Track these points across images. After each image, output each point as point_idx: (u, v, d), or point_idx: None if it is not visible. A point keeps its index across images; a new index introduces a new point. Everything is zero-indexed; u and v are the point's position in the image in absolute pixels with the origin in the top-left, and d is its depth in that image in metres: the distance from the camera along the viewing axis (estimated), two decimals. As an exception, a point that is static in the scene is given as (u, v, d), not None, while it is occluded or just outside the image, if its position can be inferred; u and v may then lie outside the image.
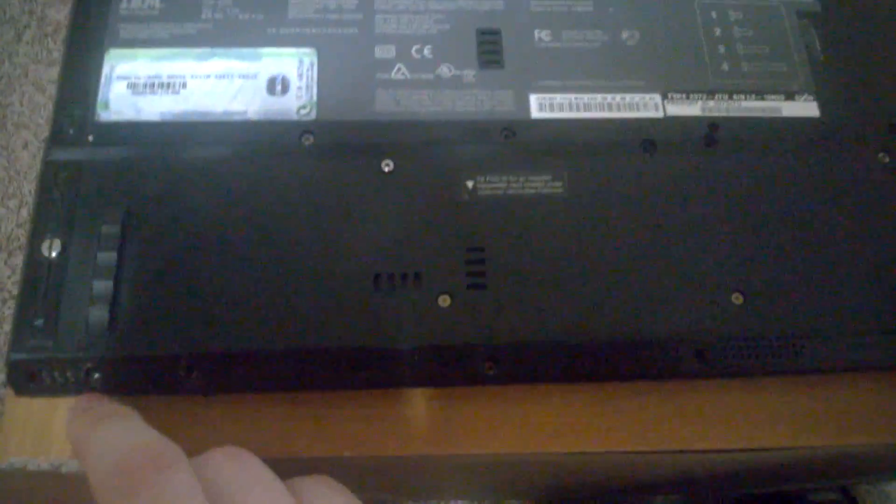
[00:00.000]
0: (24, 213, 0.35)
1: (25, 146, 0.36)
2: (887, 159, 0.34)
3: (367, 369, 0.29)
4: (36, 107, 0.37)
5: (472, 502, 0.83)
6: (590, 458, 0.32)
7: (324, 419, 0.31)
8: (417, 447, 0.31)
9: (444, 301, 0.29)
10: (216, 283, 0.29)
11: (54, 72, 0.37)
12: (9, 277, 0.34)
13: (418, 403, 0.31)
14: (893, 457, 0.37)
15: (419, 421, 0.31)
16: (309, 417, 0.31)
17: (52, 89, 0.36)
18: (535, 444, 0.31)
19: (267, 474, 0.20)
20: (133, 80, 0.33)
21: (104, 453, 0.19)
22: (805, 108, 0.34)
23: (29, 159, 0.36)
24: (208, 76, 0.33)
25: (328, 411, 0.31)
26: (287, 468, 0.31)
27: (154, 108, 0.32)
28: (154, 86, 0.33)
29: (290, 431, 0.30)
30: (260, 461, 0.20)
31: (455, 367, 0.29)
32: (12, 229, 0.35)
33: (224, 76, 0.33)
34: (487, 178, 0.31)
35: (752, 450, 0.32)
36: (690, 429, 0.32)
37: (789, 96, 0.34)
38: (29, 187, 0.35)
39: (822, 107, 0.34)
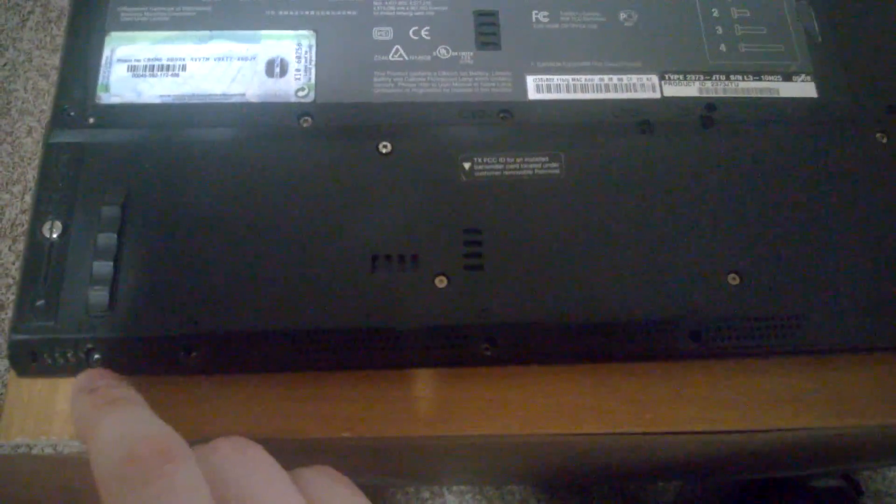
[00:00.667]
0: (29, 199, 0.35)
1: (30, 132, 0.37)
2: (885, 140, 0.34)
3: (365, 350, 0.29)
4: (40, 93, 0.37)
5: (474, 487, 0.84)
6: (587, 439, 0.32)
7: (323, 400, 0.31)
8: (416, 428, 0.31)
9: (441, 282, 0.30)
10: (215, 264, 0.29)
11: (58, 58, 0.37)
12: (13, 263, 0.34)
13: (417, 385, 0.31)
14: (894, 440, 0.38)
15: (418, 402, 0.31)
16: (308, 398, 0.31)
17: (55, 75, 0.36)
18: (533, 426, 0.32)
19: (273, 466, 0.20)
20: (133, 63, 0.33)
21: (111, 442, 0.19)
22: (803, 88, 0.34)
23: (33, 146, 0.36)
24: (207, 59, 0.33)
25: (327, 392, 0.31)
26: (287, 449, 0.31)
27: (154, 90, 0.32)
28: (154, 68, 0.33)
29: (289, 412, 0.31)
30: (266, 453, 0.21)
31: (452, 347, 0.30)
32: (17, 215, 0.35)
33: (223, 59, 0.33)
34: (484, 160, 0.32)
35: (749, 431, 0.33)
36: (688, 410, 0.32)
37: (787, 77, 0.34)
38: (33, 173, 0.35)
39: (819, 87, 0.34)
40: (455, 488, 0.84)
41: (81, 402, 0.22)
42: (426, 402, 0.31)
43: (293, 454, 0.33)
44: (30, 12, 0.41)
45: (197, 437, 0.29)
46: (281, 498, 0.19)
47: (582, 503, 0.86)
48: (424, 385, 0.31)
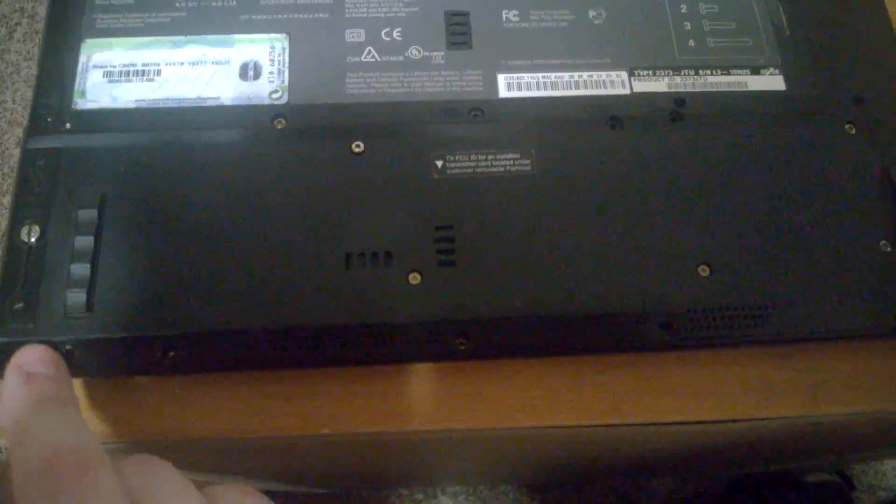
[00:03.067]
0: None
1: (19, 143, 0.37)
2: (853, 131, 0.34)
3: (341, 347, 0.30)
4: (28, 104, 0.38)
5: (468, 488, 0.84)
6: (564, 432, 0.33)
7: (301, 398, 0.31)
8: (394, 424, 0.32)
9: (415, 279, 0.30)
10: (191, 264, 0.30)
11: (39, 66, 0.37)
12: None
13: (393, 381, 0.32)
14: (878, 432, 0.38)
15: (395, 398, 0.32)
16: (287, 396, 0.31)
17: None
18: (510, 419, 0.32)
19: (182, 481, 0.20)
20: (109, 69, 0.33)
21: (35, 446, 0.18)
22: (771, 82, 0.35)
23: (21, 156, 0.37)
24: (182, 63, 0.33)
25: (305, 390, 0.31)
26: (267, 447, 0.32)
27: (129, 95, 0.33)
28: (129, 74, 0.33)
29: (268, 410, 0.31)
30: (174, 468, 0.21)
31: (427, 343, 0.30)
32: (6, 225, 0.36)
33: (197, 63, 0.33)
34: (456, 158, 0.32)
35: (724, 421, 0.33)
36: (664, 401, 0.33)
37: (755, 71, 0.35)
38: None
39: (788, 80, 0.35)
40: (449, 489, 0.85)
41: (15, 390, 0.21)
42: (403, 398, 0.32)
43: (273, 453, 0.34)
44: (17, 24, 0.41)
45: (178, 437, 0.30)
46: None
47: (576, 502, 0.86)
48: (401, 381, 0.32)
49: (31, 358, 0.22)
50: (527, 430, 0.32)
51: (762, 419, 0.33)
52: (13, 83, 0.38)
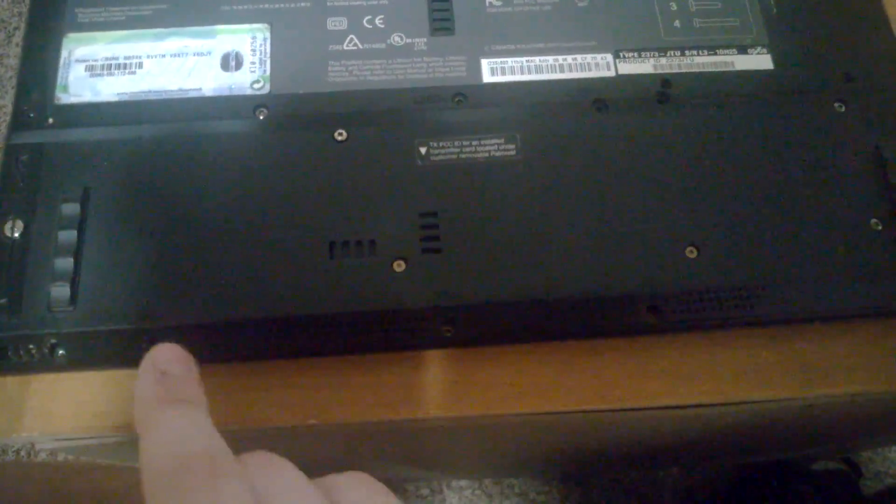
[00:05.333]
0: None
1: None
2: (843, 108, 0.34)
3: (326, 337, 0.29)
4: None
5: (473, 482, 0.84)
6: (555, 418, 0.32)
7: (288, 388, 0.31)
8: (382, 413, 0.31)
9: (399, 266, 0.30)
10: (174, 257, 0.30)
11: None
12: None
13: (380, 369, 0.32)
14: (878, 415, 0.37)
15: (382, 387, 0.31)
16: (273, 387, 0.31)
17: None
18: (500, 407, 0.32)
19: (301, 479, 0.20)
20: (91, 63, 0.33)
21: (166, 445, 0.19)
22: (758, 61, 0.34)
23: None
24: (164, 55, 0.33)
25: (292, 380, 0.31)
26: (253, 438, 0.32)
27: (111, 88, 0.33)
28: (111, 67, 0.33)
29: (254, 401, 0.31)
30: (293, 466, 0.20)
31: (413, 331, 0.30)
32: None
33: (179, 54, 0.33)
34: (440, 144, 0.32)
35: (715, 405, 0.32)
36: (654, 385, 0.32)
37: (742, 50, 0.34)
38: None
39: (775, 59, 0.34)
40: (455, 484, 0.84)
41: (148, 388, 0.21)
42: (391, 387, 0.31)
43: (268, 444, 0.34)
44: (16, 28, 0.41)
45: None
46: None
47: (582, 495, 0.86)
48: (388, 369, 0.32)
49: (165, 356, 0.22)
50: (517, 417, 0.32)
51: (755, 402, 0.33)
52: (13, 87, 0.38)
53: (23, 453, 0.77)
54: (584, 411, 0.32)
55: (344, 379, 0.31)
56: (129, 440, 0.31)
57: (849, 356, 0.33)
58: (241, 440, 0.30)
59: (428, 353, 0.32)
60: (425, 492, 0.85)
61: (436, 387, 0.32)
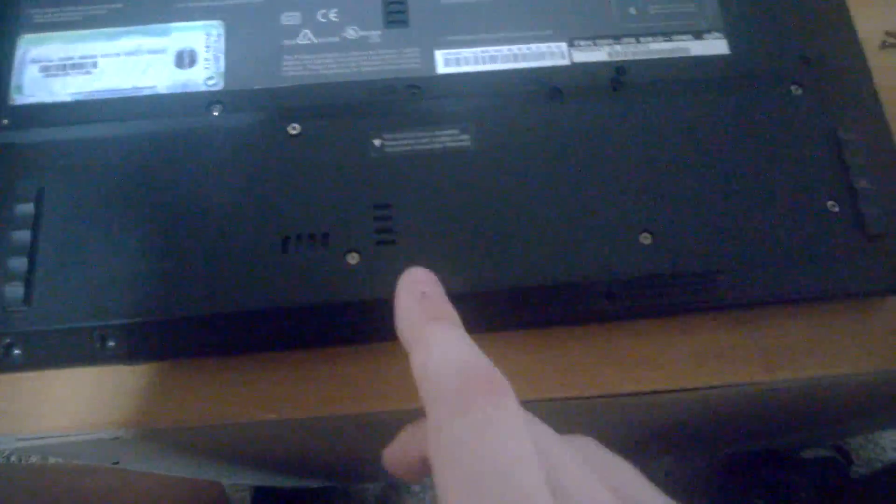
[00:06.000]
0: None
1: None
2: (800, 91, 0.33)
3: (281, 331, 0.30)
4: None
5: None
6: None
7: (246, 383, 0.31)
8: (344, 407, 0.31)
9: (353, 258, 0.30)
10: (128, 254, 0.30)
11: None
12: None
13: (340, 363, 0.32)
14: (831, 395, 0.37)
15: (342, 380, 0.31)
16: (231, 382, 0.31)
17: None
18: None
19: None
20: (45, 63, 0.33)
21: (443, 360, 0.19)
22: (714, 46, 0.34)
23: None
24: (118, 54, 0.33)
25: (250, 375, 0.31)
26: (212, 434, 0.32)
27: (67, 89, 0.33)
28: (66, 67, 0.33)
29: (212, 397, 0.31)
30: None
31: (367, 323, 0.30)
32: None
33: (133, 53, 0.33)
34: (394, 136, 0.32)
35: (676, 391, 0.32)
36: (617, 372, 0.32)
37: (698, 35, 0.34)
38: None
39: (731, 44, 0.34)
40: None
41: (410, 305, 0.22)
42: (350, 380, 0.31)
43: (219, 439, 0.34)
44: None
45: (121, 427, 0.30)
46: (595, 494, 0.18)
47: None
48: (347, 363, 0.32)
49: (422, 278, 0.23)
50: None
51: (716, 387, 0.33)
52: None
53: (13, 458, 0.77)
54: (544, 399, 0.32)
55: (303, 373, 0.31)
56: (94, 438, 0.31)
57: (809, 339, 0.33)
58: (197, 436, 0.31)
59: (385, 345, 0.32)
60: (416, 488, 0.86)
61: (397, 379, 0.32)
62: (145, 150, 0.31)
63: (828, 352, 0.33)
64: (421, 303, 0.22)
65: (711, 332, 0.33)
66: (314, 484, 0.76)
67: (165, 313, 0.29)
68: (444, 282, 0.30)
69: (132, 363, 0.30)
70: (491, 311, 0.30)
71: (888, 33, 0.40)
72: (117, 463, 0.39)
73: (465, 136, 0.32)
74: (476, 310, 0.30)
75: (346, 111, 0.32)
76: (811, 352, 0.33)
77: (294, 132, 0.32)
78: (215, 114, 0.32)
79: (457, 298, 0.29)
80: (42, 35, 0.34)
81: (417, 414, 0.32)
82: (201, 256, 0.30)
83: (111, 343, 0.29)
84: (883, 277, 0.31)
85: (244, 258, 0.29)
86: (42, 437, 0.31)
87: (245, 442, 0.36)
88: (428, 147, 0.32)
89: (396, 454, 0.21)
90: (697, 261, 0.30)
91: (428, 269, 0.23)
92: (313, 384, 0.31)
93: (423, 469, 0.20)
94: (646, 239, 0.30)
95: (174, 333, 0.29)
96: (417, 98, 0.33)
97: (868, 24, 0.39)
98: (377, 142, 0.31)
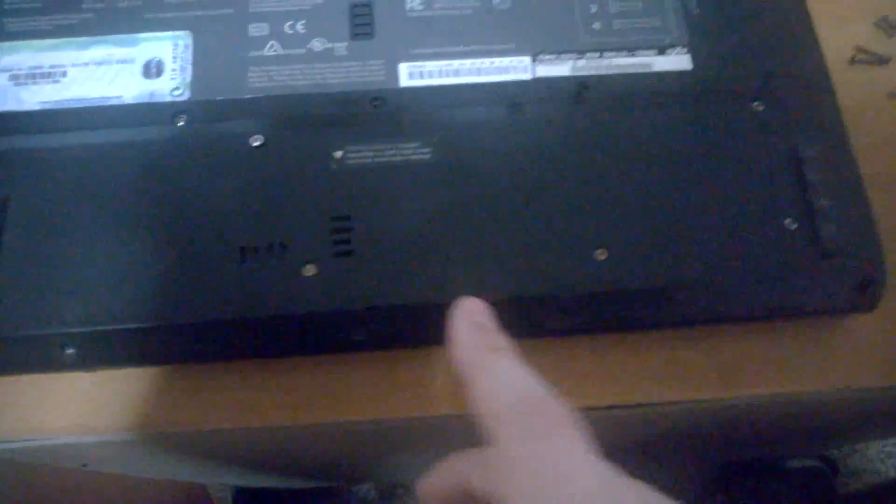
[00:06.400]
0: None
1: None
2: (762, 107, 0.34)
3: (237, 341, 0.30)
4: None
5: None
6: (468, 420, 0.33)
7: (204, 392, 0.31)
8: (302, 416, 0.32)
9: (310, 270, 0.30)
10: (90, 263, 0.30)
11: None
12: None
13: (298, 373, 0.32)
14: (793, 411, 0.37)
15: (301, 390, 0.32)
16: (189, 390, 0.31)
17: None
18: (421, 409, 0.32)
19: None
20: (15, 72, 0.34)
21: (510, 388, 0.20)
22: (677, 61, 0.34)
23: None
24: (87, 64, 0.34)
25: (208, 384, 0.32)
26: (170, 442, 0.32)
27: (36, 97, 0.33)
28: (36, 76, 0.34)
29: (171, 405, 0.31)
30: None
31: (324, 334, 0.30)
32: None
33: (102, 63, 0.34)
34: (356, 148, 0.32)
35: (633, 406, 0.33)
36: (573, 387, 0.32)
37: (661, 51, 0.34)
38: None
39: (695, 59, 0.34)
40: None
41: (468, 334, 0.23)
42: (310, 390, 0.32)
43: (176, 448, 0.34)
44: None
45: (83, 433, 0.30)
46: None
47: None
48: (306, 373, 0.32)
49: (477, 308, 0.24)
50: (443, 418, 0.32)
51: (673, 403, 0.33)
52: None
53: None
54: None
55: (261, 383, 0.32)
56: (56, 443, 0.31)
57: (767, 356, 0.33)
58: (146, 443, 0.31)
59: (347, 355, 0.32)
60: (400, 491, 0.86)
61: (358, 389, 0.32)
62: (110, 160, 0.32)
63: (785, 369, 0.33)
64: (479, 333, 0.22)
65: (668, 349, 0.33)
66: (294, 485, 0.76)
67: (123, 322, 0.29)
68: (400, 294, 0.30)
69: (90, 370, 0.30)
70: (444, 324, 0.30)
71: (858, 48, 0.40)
72: (86, 466, 0.40)
73: (427, 150, 0.32)
74: (431, 323, 0.30)
75: (308, 123, 0.32)
76: (768, 369, 0.33)
77: (257, 143, 0.32)
78: (180, 124, 0.32)
79: (412, 310, 0.30)
80: (13, 44, 0.34)
81: (378, 424, 0.32)
82: (161, 266, 0.30)
83: (70, 350, 0.29)
84: (839, 296, 0.32)
85: (202, 269, 0.30)
86: (11, 442, 0.31)
87: (199, 449, 0.36)
88: (389, 159, 0.32)
89: (435, 485, 0.22)
90: (653, 277, 0.31)
91: (480, 300, 0.24)
92: (269, 394, 0.32)
93: (464, 502, 0.20)
94: (601, 255, 0.31)
95: (133, 342, 0.30)
96: (380, 110, 0.33)
97: (839, 39, 0.40)
98: (339, 154, 0.32)
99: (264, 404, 0.31)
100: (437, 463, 0.22)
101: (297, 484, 0.72)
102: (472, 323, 0.23)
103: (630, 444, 0.52)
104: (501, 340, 0.23)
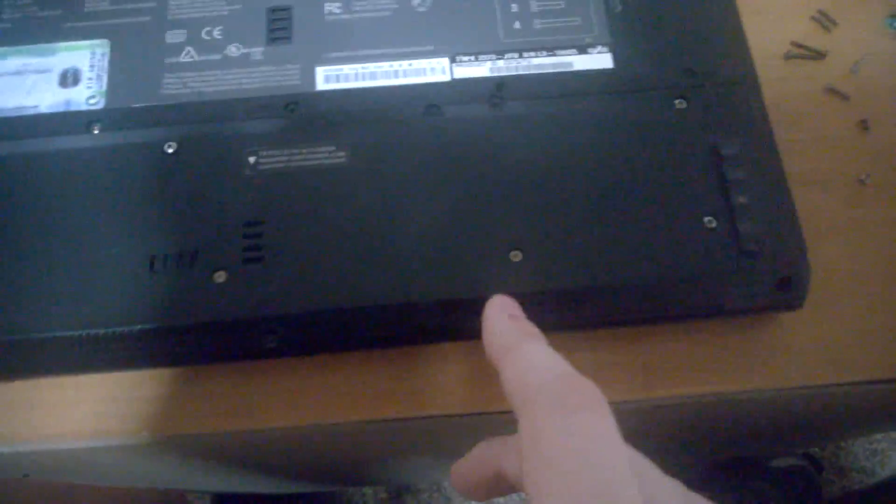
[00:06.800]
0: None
1: None
2: (684, 105, 0.33)
3: (148, 350, 0.30)
4: None
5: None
6: (391, 425, 0.32)
7: (117, 400, 0.31)
8: (216, 424, 0.31)
9: (220, 277, 0.30)
10: (4, 271, 0.30)
11: None
12: None
13: (212, 381, 0.32)
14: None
15: (215, 398, 0.32)
16: (103, 399, 0.31)
17: None
18: (334, 414, 0.32)
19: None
20: (-66, 84, 0.34)
21: (542, 366, 0.21)
22: (598, 60, 0.34)
23: None
24: (4, 74, 0.34)
25: (122, 392, 0.31)
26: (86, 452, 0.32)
27: (-49, 109, 0.33)
28: (-46, 88, 0.34)
29: (86, 416, 0.31)
30: None
31: (235, 341, 0.30)
32: None
33: (18, 73, 0.34)
34: (270, 153, 0.32)
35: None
36: (487, 391, 0.32)
37: (582, 50, 0.34)
38: None
39: (616, 58, 0.34)
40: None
41: (503, 321, 0.24)
42: (223, 398, 0.32)
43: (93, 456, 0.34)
44: None
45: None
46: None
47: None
48: (220, 381, 0.32)
49: (509, 303, 0.25)
50: (351, 424, 0.32)
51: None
52: None
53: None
54: (420, 417, 0.32)
55: (175, 391, 0.32)
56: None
57: (691, 356, 0.33)
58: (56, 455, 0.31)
59: (259, 362, 0.32)
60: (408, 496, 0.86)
61: (271, 396, 0.32)
62: (23, 170, 0.32)
63: (709, 369, 0.33)
64: (511, 322, 0.24)
65: (589, 350, 0.33)
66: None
67: (36, 331, 0.29)
68: (311, 299, 0.30)
69: (10, 379, 0.30)
70: (359, 329, 0.30)
71: (793, 44, 0.39)
72: (27, 476, 0.40)
73: (341, 153, 0.32)
74: (343, 328, 0.30)
75: (222, 128, 0.32)
76: (692, 369, 0.33)
77: (171, 150, 0.32)
78: (95, 132, 0.32)
79: (324, 315, 0.30)
80: (-67, 55, 0.34)
81: (291, 431, 0.32)
82: (74, 276, 0.30)
83: (-19, 361, 0.29)
84: (761, 294, 0.31)
85: (111, 278, 0.30)
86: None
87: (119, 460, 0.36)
88: (302, 164, 0.32)
89: (468, 470, 0.22)
90: (569, 278, 0.30)
91: (511, 299, 0.25)
92: (184, 402, 0.31)
93: (497, 486, 0.21)
94: (516, 256, 0.30)
95: (42, 351, 0.30)
96: (295, 115, 0.33)
97: (775, 34, 0.39)
98: (252, 159, 0.32)
99: (181, 412, 0.31)
100: (471, 449, 0.22)
101: (291, 489, 0.72)
102: (503, 315, 0.24)
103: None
104: (534, 329, 0.24)
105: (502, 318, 0.24)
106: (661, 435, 0.47)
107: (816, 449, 0.87)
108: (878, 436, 0.90)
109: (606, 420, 0.19)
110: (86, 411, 0.31)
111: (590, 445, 0.18)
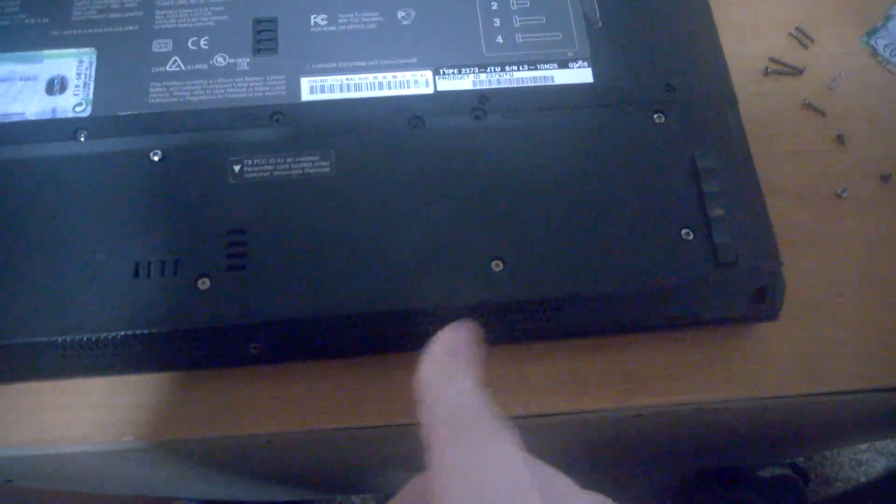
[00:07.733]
0: None
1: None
2: (662, 119, 0.34)
3: (131, 356, 0.30)
4: None
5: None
6: (373, 432, 0.33)
7: (96, 406, 0.31)
8: (198, 430, 0.32)
9: (203, 284, 0.30)
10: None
11: None
12: None
13: (194, 387, 0.32)
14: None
15: (196, 404, 0.32)
16: (83, 406, 0.31)
17: None
18: (316, 421, 0.32)
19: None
20: (-79, 90, 0.34)
21: (446, 400, 0.20)
22: (579, 74, 0.34)
23: None
24: (-10, 82, 0.34)
25: (102, 399, 0.32)
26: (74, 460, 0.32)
27: (-61, 116, 0.33)
28: (-60, 94, 0.34)
29: (69, 421, 0.31)
30: None
31: (218, 348, 0.30)
32: None
33: (6, 80, 0.34)
34: (254, 162, 0.32)
35: (531, 416, 0.33)
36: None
37: (563, 64, 0.34)
38: None
39: (596, 73, 0.35)
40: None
41: (434, 362, 0.22)
42: (205, 404, 0.32)
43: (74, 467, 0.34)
44: None
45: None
46: None
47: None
48: (202, 387, 0.32)
49: (453, 339, 0.23)
50: (333, 431, 0.32)
51: (572, 413, 0.33)
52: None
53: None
54: (402, 425, 0.32)
55: (157, 396, 0.32)
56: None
57: (669, 366, 0.33)
58: (39, 460, 0.31)
59: (241, 369, 0.32)
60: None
61: (252, 402, 0.32)
62: (9, 177, 0.32)
63: (687, 379, 0.33)
64: (446, 359, 0.22)
65: (569, 359, 0.33)
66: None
67: (20, 337, 0.30)
68: (295, 307, 0.30)
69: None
70: (341, 336, 0.31)
71: (771, 60, 0.40)
72: (10, 482, 0.40)
73: (325, 163, 0.32)
74: (326, 335, 0.30)
75: (207, 137, 0.33)
76: (671, 378, 0.33)
77: (156, 158, 0.32)
78: (81, 139, 0.33)
79: (306, 323, 0.30)
80: (-79, 62, 0.34)
81: (275, 437, 0.32)
82: (58, 281, 0.30)
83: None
84: (736, 305, 0.32)
85: (95, 285, 0.30)
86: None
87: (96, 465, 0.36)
88: (287, 173, 0.32)
89: None
90: (550, 288, 0.31)
91: (471, 333, 0.23)
92: (166, 408, 0.32)
93: None
94: (497, 266, 0.31)
95: (23, 357, 0.30)
96: (280, 124, 0.33)
97: (753, 50, 0.40)
98: (237, 168, 0.32)
99: (164, 418, 0.31)
100: (402, 486, 0.22)
101: (279, 496, 0.72)
102: (446, 350, 0.23)
103: (598, 453, 0.52)
104: (463, 368, 0.22)
105: (441, 353, 0.23)
106: (643, 444, 0.48)
107: (802, 459, 0.88)
108: (863, 446, 0.90)
109: (508, 450, 0.19)
110: (69, 417, 0.31)
111: (488, 473, 0.18)
